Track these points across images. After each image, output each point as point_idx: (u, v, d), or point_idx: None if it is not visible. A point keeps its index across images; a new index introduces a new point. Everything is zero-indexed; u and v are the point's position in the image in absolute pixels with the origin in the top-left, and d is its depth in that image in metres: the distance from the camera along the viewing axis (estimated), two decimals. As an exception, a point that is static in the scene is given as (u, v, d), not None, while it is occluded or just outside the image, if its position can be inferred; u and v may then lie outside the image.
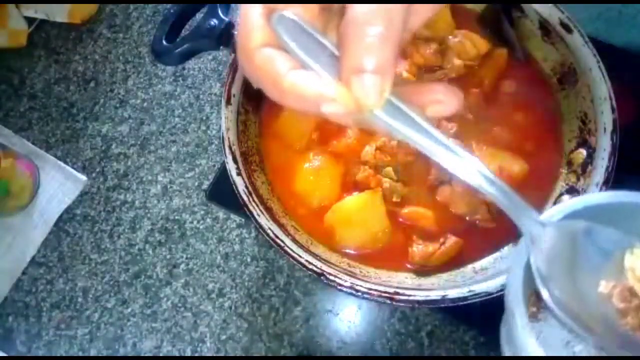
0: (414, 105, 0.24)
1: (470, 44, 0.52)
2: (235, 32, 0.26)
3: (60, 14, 0.71)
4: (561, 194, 0.48)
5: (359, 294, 0.42)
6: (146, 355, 0.57)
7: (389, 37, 0.23)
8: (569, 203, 0.27)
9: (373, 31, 0.22)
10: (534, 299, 0.28)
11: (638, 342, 0.25)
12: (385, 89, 0.23)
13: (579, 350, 0.27)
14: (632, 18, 0.56)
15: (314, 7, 0.25)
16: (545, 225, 0.25)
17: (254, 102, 0.53)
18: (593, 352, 0.26)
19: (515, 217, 0.25)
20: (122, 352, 0.57)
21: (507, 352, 0.28)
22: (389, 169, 0.49)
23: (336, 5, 0.25)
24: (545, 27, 0.50)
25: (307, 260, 0.43)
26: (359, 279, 0.43)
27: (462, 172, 0.24)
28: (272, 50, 0.24)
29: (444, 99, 0.25)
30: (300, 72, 0.24)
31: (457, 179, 0.25)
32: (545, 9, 0.50)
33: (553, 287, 0.25)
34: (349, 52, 0.23)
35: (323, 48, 0.24)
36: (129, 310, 0.59)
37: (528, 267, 0.26)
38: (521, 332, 0.24)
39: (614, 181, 0.44)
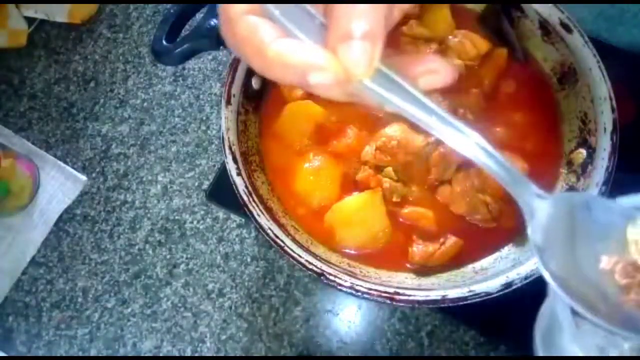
0: (407, 76, 0.23)
1: (470, 44, 0.52)
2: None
3: (60, 14, 0.71)
4: (561, 194, 0.48)
5: (359, 294, 0.42)
6: (146, 355, 0.57)
7: (378, 4, 0.22)
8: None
9: None
10: None
11: None
12: (374, 57, 0.22)
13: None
14: (634, 16, 0.56)
15: None
16: (544, 198, 0.24)
17: (254, 102, 0.53)
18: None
19: (513, 191, 0.24)
20: (122, 352, 0.57)
21: (542, 353, 0.27)
22: (389, 169, 0.49)
23: None
24: (545, 27, 0.50)
25: (307, 260, 0.43)
26: (359, 279, 0.43)
27: (458, 144, 0.23)
28: (256, 18, 0.23)
29: (439, 68, 0.24)
30: (286, 41, 0.22)
31: (456, 153, 0.24)
32: (545, 9, 0.49)
33: (549, 260, 0.23)
34: (336, 19, 0.22)
35: (309, 17, 0.23)
36: (129, 310, 0.59)
37: None
38: (568, 344, 0.23)
39: (613, 181, 0.44)
